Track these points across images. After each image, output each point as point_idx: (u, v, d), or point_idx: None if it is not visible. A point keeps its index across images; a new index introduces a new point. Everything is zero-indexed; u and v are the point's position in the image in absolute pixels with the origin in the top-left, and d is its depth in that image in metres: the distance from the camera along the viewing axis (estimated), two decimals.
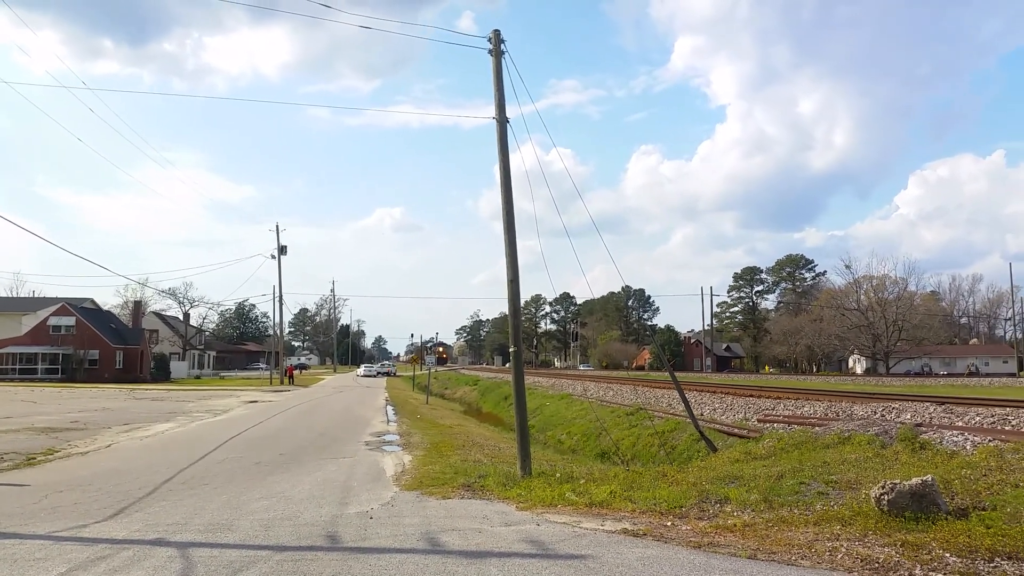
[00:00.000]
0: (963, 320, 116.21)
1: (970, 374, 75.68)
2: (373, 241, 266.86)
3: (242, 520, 8.74)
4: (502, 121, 12.99)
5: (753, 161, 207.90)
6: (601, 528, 7.99)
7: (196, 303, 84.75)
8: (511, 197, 12.95)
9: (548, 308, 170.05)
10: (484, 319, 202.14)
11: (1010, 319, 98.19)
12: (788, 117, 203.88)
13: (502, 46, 13.11)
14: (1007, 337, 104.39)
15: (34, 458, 14.89)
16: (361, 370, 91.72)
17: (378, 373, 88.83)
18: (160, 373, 67.70)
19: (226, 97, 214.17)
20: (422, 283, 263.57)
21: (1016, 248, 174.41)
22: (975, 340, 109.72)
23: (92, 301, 72.31)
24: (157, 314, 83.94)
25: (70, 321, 61.76)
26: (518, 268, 12.85)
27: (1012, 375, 72.62)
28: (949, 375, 73.72)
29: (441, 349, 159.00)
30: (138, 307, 73.86)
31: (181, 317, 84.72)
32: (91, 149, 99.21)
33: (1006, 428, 13.10)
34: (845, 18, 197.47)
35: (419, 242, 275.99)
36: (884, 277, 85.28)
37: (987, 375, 72.83)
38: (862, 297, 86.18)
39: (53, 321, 61.73)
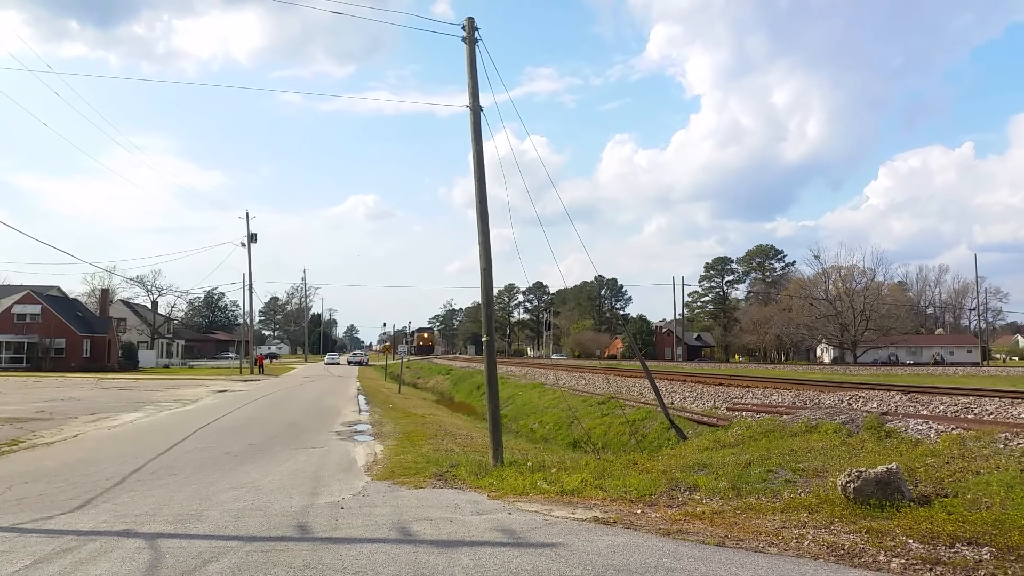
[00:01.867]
0: (929, 310, 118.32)
1: (936, 363, 77.16)
2: (346, 229, 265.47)
3: (211, 511, 8.67)
4: (475, 110, 12.95)
5: (727, 152, 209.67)
6: (572, 516, 8.04)
7: (165, 291, 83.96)
8: (484, 186, 12.93)
9: (521, 297, 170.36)
10: (457, 308, 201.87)
11: (974, 309, 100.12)
12: (762, 108, 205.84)
13: (476, 34, 13.05)
14: (971, 327, 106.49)
15: None
16: (326, 359, 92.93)
17: (349, 362, 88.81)
18: (128, 362, 66.83)
19: (196, 83, 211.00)
20: (395, 271, 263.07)
21: (983, 239, 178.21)
22: (941, 330, 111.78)
23: (59, 289, 71.09)
24: (125, 302, 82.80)
25: (35, 309, 60.67)
26: (491, 257, 12.84)
27: (976, 364, 74.07)
28: (915, 364, 75.13)
29: (427, 335, 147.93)
30: (105, 295, 72.80)
31: (149, 305, 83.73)
32: (57, 134, 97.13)
33: (968, 416, 13.36)
34: (820, 8, 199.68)
35: (392, 230, 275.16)
36: (852, 267, 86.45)
37: (952, 364, 74.24)
38: (830, 287, 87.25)
39: (18, 309, 60.58)
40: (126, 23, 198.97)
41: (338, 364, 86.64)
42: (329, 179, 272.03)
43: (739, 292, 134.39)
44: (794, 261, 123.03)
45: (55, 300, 64.79)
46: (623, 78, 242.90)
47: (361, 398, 31.50)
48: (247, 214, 61.09)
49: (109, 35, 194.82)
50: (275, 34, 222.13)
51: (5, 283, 77.27)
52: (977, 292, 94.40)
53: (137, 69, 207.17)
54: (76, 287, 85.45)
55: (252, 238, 60.89)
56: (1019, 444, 9.71)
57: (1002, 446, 9.77)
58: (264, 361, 66.32)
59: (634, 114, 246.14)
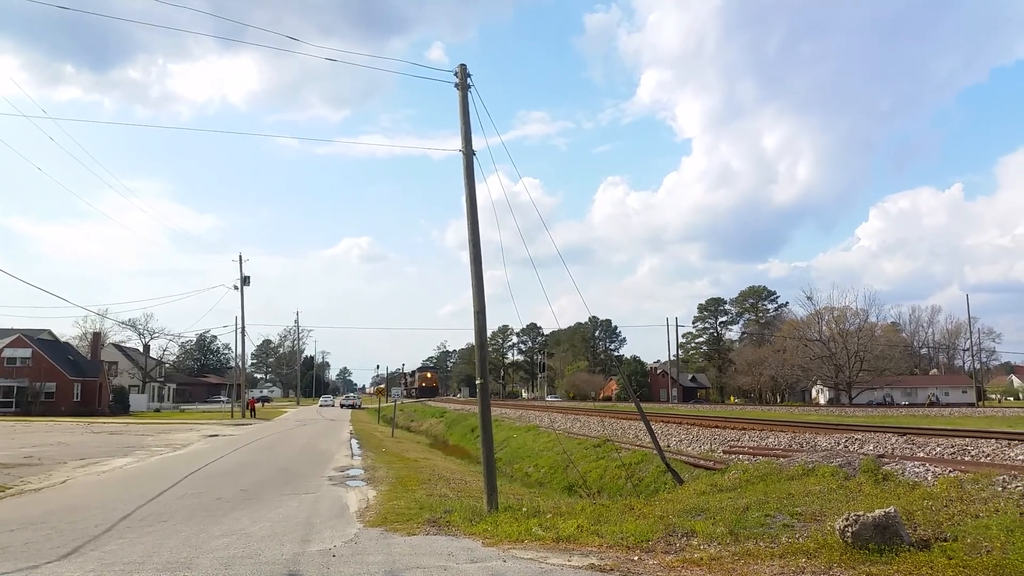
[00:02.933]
0: (923, 351, 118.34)
1: (931, 404, 76.92)
2: (339, 271, 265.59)
3: (201, 558, 8.52)
4: (468, 154, 13.07)
5: (718, 194, 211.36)
6: (568, 563, 7.92)
7: (156, 334, 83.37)
8: (477, 229, 12.99)
9: (515, 339, 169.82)
10: (451, 350, 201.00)
11: (968, 349, 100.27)
12: (753, 151, 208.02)
13: (468, 80, 13.25)
14: (965, 367, 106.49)
15: None
16: (320, 402, 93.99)
17: (342, 405, 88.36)
18: (119, 406, 66.21)
19: (190, 128, 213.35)
20: (388, 314, 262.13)
21: (974, 280, 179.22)
22: (935, 370, 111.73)
23: (50, 332, 70.76)
24: (116, 346, 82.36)
25: (26, 353, 60.28)
26: (484, 299, 12.86)
27: (971, 405, 73.96)
28: (910, 405, 74.84)
29: (430, 375, 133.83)
30: (97, 339, 72.42)
31: (141, 349, 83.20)
32: (50, 178, 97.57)
33: (966, 459, 13.29)
34: (809, 54, 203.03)
35: (385, 272, 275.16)
36: (845, 308, 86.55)
37: (947, 405, 74.08)
38: (824, 328, 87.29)
39: (8, 353, 60.18)
40: (121, 67, 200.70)
41: (332, 407, 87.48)
42: (323, 221, 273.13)
43: (733, 333, 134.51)
44: (787, 302, 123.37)
45: (46, 344, 64.41)
46: (614, 122, 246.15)
47: (354, 442, 31.19)
48: (240, 257, 61.12)
49: (104, 79, 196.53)
50: (272, 79, 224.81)
51: None
52: (970, 332, 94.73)
53: (132, 113, 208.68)
54: (68, 330, 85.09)
55: (245, 281, 60.80)
56: (1018, 487, 9.64)
57: (1000, 489, 9.69)
58: (256, 404, 65.75)
59: (626, 157, 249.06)
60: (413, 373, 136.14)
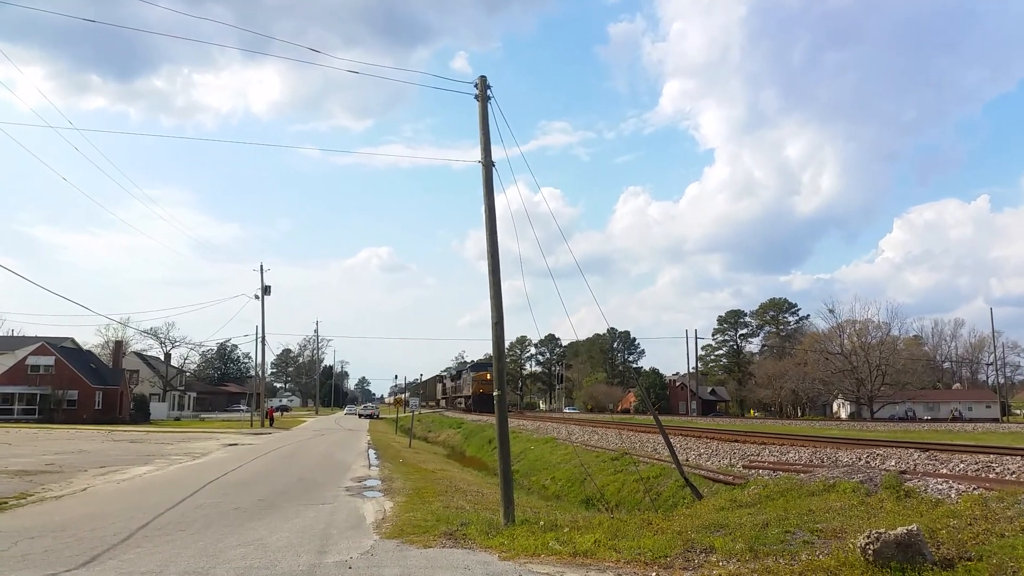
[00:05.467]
0: (946, 365, 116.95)
1: (953, 419, 75.95)
2: (359, 281, 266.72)
3: (218, 568, 8.54)
4: (487, 165, 13.10)
5: (741, 204, 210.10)
6: None
7: (178, 343, 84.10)
8: (496, 240, 13.00)
9: (533, 350, 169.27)
10: (468, 359, 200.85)
11: (992, 364, 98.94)
12: (776, 161, 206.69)
13: (488, 92, 13.30)
14: (989, 382, 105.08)
15: (5, 502, 14.54)
16: (345, 411, 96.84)
17: (360, 415, 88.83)
18: (139, 414, 66.76)
19: (214, 139, 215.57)
20: (408, 324, 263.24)
21: (1000, 293, 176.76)
22: (958, 385, 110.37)
23: (72, 340, 71.53)
24: (138, 354, 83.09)
25: (49, 361, 60.95)
26: (503, 310, 12.83)
27: (995, 420, 72.93)
28: (933, 420, 73.90)
29: (489, 377, 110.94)
30: (119, 347, 73.10)
31: (162, 357, 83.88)
32: (76, 188, 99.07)
33: (990, 476, 13.08)
34: (833, 64, 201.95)
35: (405, 282, 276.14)
36: (867, 321, 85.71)
37: (970, 420, 73.07)
38: (845, 341, 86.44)
39: (31, 361, 60.88)
40: (146, 77, 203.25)
41: (354, 416, 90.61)
42: (344, 231, 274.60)
43: (753, 346, 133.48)
44: (808, 315, 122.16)
45: (69, 352, 65.12)
46: (637, 131, 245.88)
47: (371, 452, 31.23)
48: (261, 267, 61.51)
49: (129, 88, 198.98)
50: (295, 89, 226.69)
51: (20, 334, 77.93)
52: (994, 346, 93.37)
53: (156, 122, 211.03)
54: (90, 339, 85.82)
55: (266, 290, 61.15)
56: None
57: None
58: (275, 414, 66.06)
59: (647, 167, 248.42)
60: (458, 374, 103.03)
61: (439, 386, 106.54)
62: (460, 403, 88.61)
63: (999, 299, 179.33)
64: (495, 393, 12.79)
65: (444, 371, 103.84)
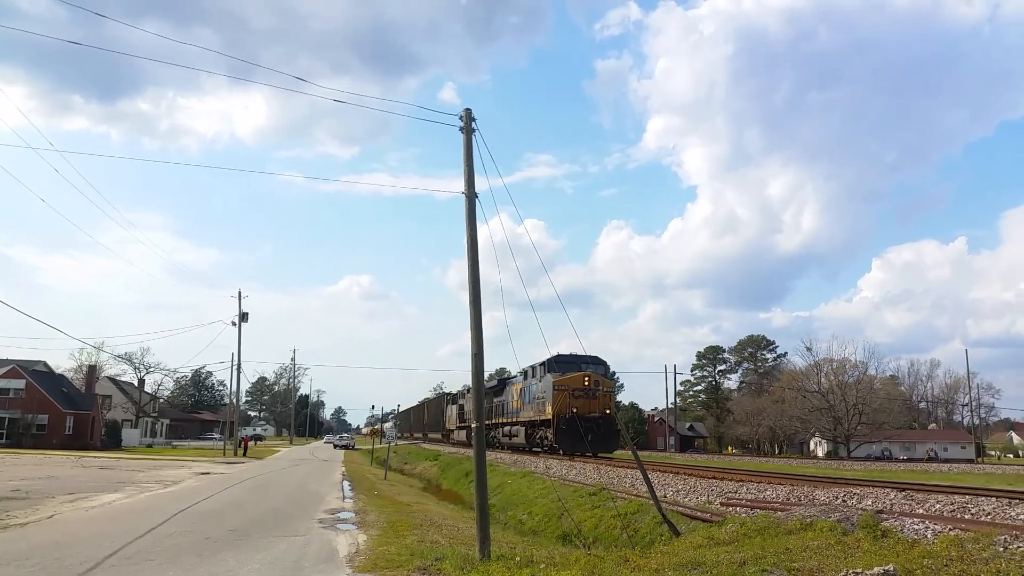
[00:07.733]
0: (922, 405, 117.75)
1: (929, 459, 76.32)
2: (340, 309, 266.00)
3: None
4: (471, 196, 13.15)
5: (723, 241, 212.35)
6: None
7: (152, 369, 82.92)
8: (478, 271, 13.00)
9: None
10: (448, 391, 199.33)
11: (967, 405, 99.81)
12: (758, 199, 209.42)
13: (473, 124, 13.40)
14: (964, 422, 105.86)
15: None
16: (324, 439, 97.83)
17: (335, 446, 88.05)
18: (111, 440, 65.66)
19: (194, 164, 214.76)
20: (387, 353, 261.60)
21: (977, 334, 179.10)
22: (934, 425, 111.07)
23: (45, 364, 70.41)
24: (111, 379, 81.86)
25: (19, 384, 59.92)
26: (483, 342, 12.80)
27: (970, 461, 73.37)
28: (909, 460, 74.24)
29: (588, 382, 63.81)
30: (92, 372, 72.05)
31: (136, 383, 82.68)
32: (54, 210, 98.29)
33: (966, 516, 13.11)
34: (817, 104, 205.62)
35: (386, 311, 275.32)
36: (844, 360, 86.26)
37: (946, 460, 73.46)
38: (823, 379, 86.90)
39: (1, 384, 59.83)
40: (130, 99, 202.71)
41: (331, 446, 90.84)
42: (325, 258, 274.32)
43: (732, 382, 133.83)
44: (785, 352, 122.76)
45: (40, 375, 64.08)
46: (621, 166, 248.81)
47: (346, 484, 30.83)
48: (239, 293, 60.71)
49: (112, 110, 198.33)
50: (281, 115, 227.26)
51: None
52: (969, 388, 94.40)
53: (139, 145, 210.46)
54: (63, 362, 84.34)
55: (243, 317, 60.34)
56: (1019, 547, 9.48)
57: (1002, 549, 9.53)
58: (248, 443, 65.14)
59: (631, 201, 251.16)
60: (501, 386, 53.71)
61: (451, 409, 70.16)
62: (517, 436, 48.35)
63: (976, 341, 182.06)
64: (474, 424, 12.70)
65: (463, 387, 65.25)
